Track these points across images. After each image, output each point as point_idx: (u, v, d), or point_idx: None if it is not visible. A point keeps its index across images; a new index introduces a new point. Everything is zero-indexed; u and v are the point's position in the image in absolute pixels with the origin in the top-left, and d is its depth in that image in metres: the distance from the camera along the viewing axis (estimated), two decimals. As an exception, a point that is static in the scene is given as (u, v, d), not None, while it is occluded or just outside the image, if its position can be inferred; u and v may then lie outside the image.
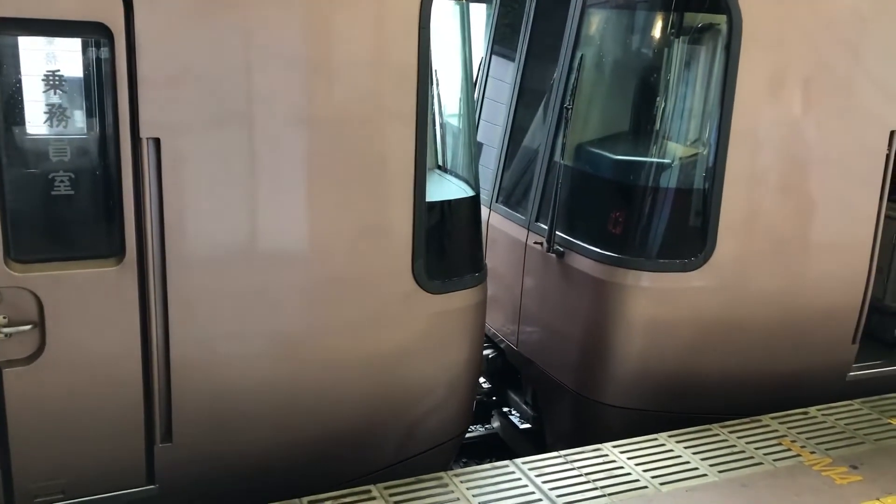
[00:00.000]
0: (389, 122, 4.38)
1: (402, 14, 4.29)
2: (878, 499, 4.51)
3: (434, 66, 4.65)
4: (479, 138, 7.16)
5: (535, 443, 6.56)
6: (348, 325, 4.48)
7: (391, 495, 4.34)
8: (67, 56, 3.73)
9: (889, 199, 5.88)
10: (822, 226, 5.64)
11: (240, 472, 4.39)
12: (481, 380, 7.08)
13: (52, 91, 3.72)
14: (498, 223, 6.58)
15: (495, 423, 7.36)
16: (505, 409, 7.21)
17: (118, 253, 3.91)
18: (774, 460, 4.85)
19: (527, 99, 6.54)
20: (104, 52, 3.73)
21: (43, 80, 3.71)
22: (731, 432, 5.13)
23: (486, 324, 6.71)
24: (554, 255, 5.78)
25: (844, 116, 5.54)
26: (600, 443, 4.95)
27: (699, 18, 5.35)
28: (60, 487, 4.04)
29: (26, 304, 3.79)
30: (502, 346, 6.66)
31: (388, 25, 4.30)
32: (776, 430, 5.19)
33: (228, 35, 3.91)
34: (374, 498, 4.30)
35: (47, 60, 3.70)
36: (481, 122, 7.18)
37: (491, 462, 6.84)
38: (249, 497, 4.34)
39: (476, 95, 7.21)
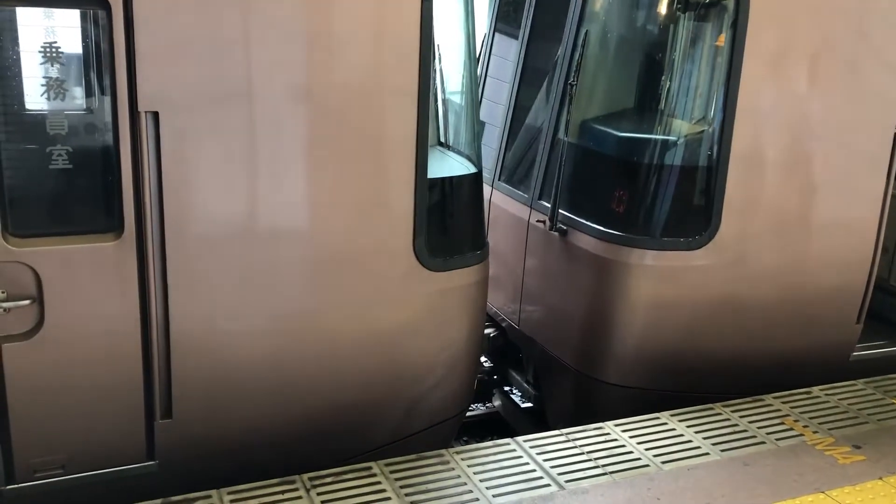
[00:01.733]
0: (391, 97, 4.33)
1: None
2: (880, 478, 4.50)
3: (437, 41, 4.60)
4: (483, 117, 7.09)
5: (536, 422, 6.55)
6: (349, 302, 4.45)
7: (392, 472, 4.33)
8: (65, 29, 3.68)
9: (896, 178, 5.83)
10: (827, 205, 5.59)
11: (240, 448, 4.38)
12: (482, 359, 7.06)
13: (49, 64, 3.68)
14: (500, 201, 6.54)
15: (496, 402, 7.35)
16: (506, 388, 7.20)
17: (117, 228, 3.88)
18: (777, 440, 4.83)
19: (530, 76, 6.47)
20: (102, 25, 3.68)
21: (40, 52, 3.66)
22: (733, 411, 5.12)
23: (488, 302, 6.70)
24: (556, 234, 5.74)
25: (851, 94, 5.47)
26: (602, 422, 4.94)
27: (706, -7, 5.28)
28: (60, 463, 4.04)
29: (25, 278, 3.77)
30: (504, 324, 6.63)
31: (391, -1, 4.24)
32: (779, 410, 5.18)
33: (228, 8, 3.85)
34: (374, 475, 4.29)
35: (45, 33, 3.64)
36: (484, 100, 7.11)
37: (492, 440, 6.87)
38: (249, 473, 4.33)
39: (479, 73, 7.14)
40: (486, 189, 6.64)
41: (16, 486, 3.97)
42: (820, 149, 5.51)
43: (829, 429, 4.99)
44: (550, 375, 6.21)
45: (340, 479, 4.24)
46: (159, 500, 4.00)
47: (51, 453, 4.01)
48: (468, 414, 7.23)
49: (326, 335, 4.45)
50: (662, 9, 5.48)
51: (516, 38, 6.66)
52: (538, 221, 5.97)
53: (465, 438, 7.21)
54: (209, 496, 4.05)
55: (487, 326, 6.68)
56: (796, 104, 5.40)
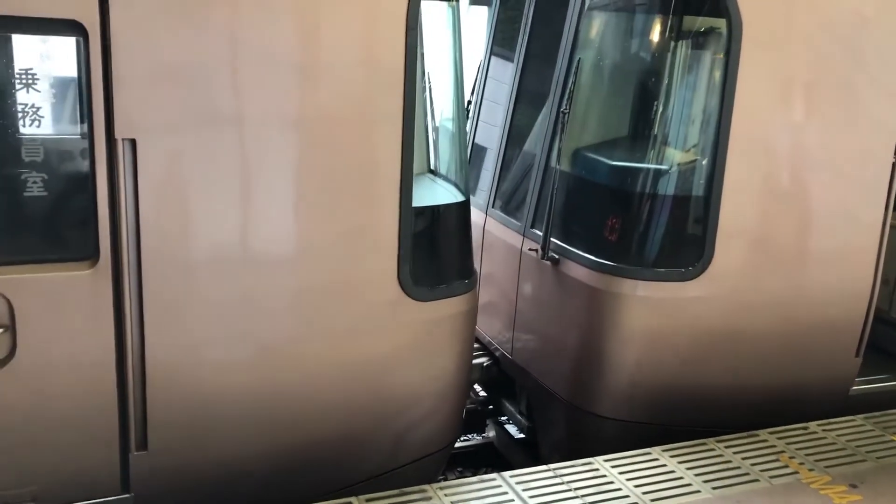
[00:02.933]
0: (375, 125, 4.27)
1: (389, 15, 4.19)
2: (877, 519, 4.36)
3: (425, 69, 4.55)
4: (479, 141, 7.04)
5: (529, 453, 6.44)
6: (331, 332, 4.37)
7: (372, 508, 4.23)
8: (40, 54, 3.65)
9: (894, 209, 5.72)
10: (824, 235, 5.49)
11: (218, 481, 4.28)
12: (477, 388, 6.96)
13: (24, 90, 3.63)
14: (494, 229, 6.47)
15: (490, 433, 7.23)
16: (501, 419, 7.09)
17: (92, 256, 3.82)
18: (771, 477, 4.69)
19: (524, 103, 6.42)
20: (79, 51, 3.64)
21: (15, 78, 3.62)
22: (727, 447, 4.99)
23: (482, 331, 6.62)
24: (549, 263, 5.65)
25: (848, 122, 5.39)
26: (595, 455, 4.82)
27: (699, 22, 5.21)
28: (32, 495, 3.94)
29: (-4, 307, 3.71)
30: (497, 354, 6.53)
31: (375, 26, 4.20)
32: (774, 446, 5.04)
33: (208, 34, 3.81)
34: (354, 510, 4.19)
35: (20, 58, 3.61)
36: (481, 123, 7.06)
37: (486, 472, 6.75)
38: (228, 507, 4.25)
39: (475, 98, 7.09)
40: (481, 216, 6.58)
41: (-15, 518, 3.90)
42: (817, 177, 5.42)
43: (826, 466, 4.85)
44: (543, 407, 6.09)
45: (319, 515, 4.14)
46: (132, 535, 3.92)
47: (22, 485, 3.92)
48: (462, 444, 7.14)
49: (308, 366, 4.36)
50: (655, 37, 5.42)
51: (512, 61, 6.62)
52: (531, 250, 5.88)
53: (459, 469, 7.10)
54: (183, 531, 3.95)
55: (481, 355, 6.60)
56: (792, 132, 5.31)
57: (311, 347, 4.35)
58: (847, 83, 5.33)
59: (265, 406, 4.29)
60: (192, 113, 3.84)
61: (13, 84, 3.62)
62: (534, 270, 5.93)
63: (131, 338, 3.93)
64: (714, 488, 4.55)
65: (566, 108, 5.57)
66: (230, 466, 4.29)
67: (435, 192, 4.91)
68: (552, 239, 5.58)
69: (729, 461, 4.84)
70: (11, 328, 3.74)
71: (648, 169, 5.37)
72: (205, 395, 4.14)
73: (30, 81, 3.64)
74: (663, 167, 5.36)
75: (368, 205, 4.33)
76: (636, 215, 5.37)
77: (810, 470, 4.80)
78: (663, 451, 4.91)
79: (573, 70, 5.63)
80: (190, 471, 4.21)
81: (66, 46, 3.67)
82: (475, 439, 7.37)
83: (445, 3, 4.79)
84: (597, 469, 4.70)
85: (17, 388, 3.80)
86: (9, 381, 3.78)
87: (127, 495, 4.12)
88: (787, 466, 4.82)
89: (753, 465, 4.81)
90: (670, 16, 5.25)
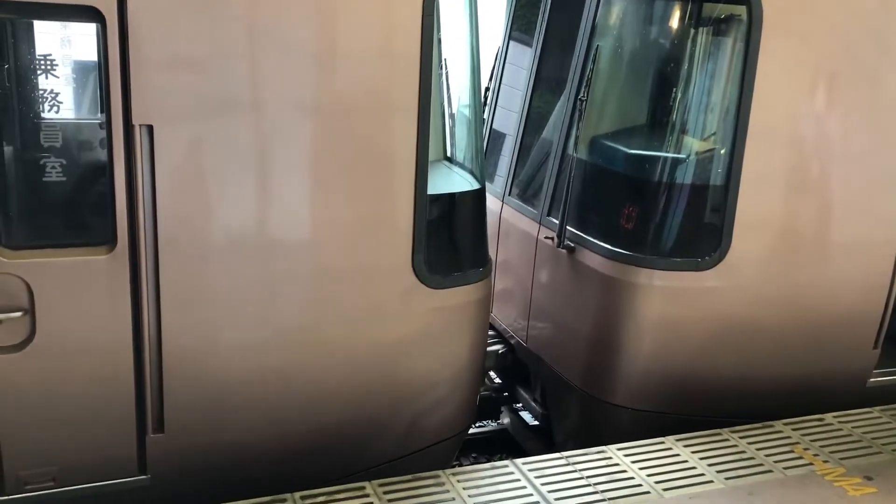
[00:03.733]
0: (391, 112, 4.27)
1: (405, 1, 4.18)
2: (891, 512, 4.34)
3: (441, 56, 4.54)
4: (497, 127, 7.02)
5: (544, 440, 6.46)
6: (345, 318, 4.40)
7: (385, 493, 4.26)
8: (59, 41, 3.68)
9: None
10: (843, 225, 5.43)
11: (233, 463, 4.33)
12: (492, 375, 6.98)
13: (43, 76, 3.67)
14: (510, 216, 6.46)
15: (505, 420, 7.26)
16: (515, 406, 7.10)
17: (110, 241, 3.86)
18: (785, 468, 4.68)
19: (542, 90, 6.39)
20: (96, 37, 3.67)
21: (34, 64, 3.66)
22: (741, 437, 4.97)
23: (497, 318, 6.63)
24: (564, 251, 5.64)
25: (869, 111, 5.32)
26: (608, 443, 4.83)
27: (718, 9, 5.16)
28: (51, 475, 4.02)
29: (17, 290, 3.76)
30: (512, 341, 6.54)
31: (391, 13, 4.19)
32: (789, 437, 5.02)
33: (224, 21, 3.83)
34: (367, 495, 4.22)
35: (38, 45, 3.64)
36: (499, 109, 7.03)
37: (500, 458, 6.78)
38: (243, 489, 4.29)
39: (493, 84, 7.07)
40: (497, 204, 6.58)
41: (6, 498, 3.96)
42: (836, 168, 5.36)
43: (841, 458, 4.83)
44: (557, 395, 6.10)
45: (333, 499, 4.17)
46: (149, 516, 3.98)
47: (41, 465, 4.00)
48: (477, 431, 7.17)
49: (323, 352, 4.40)
50: (674, 24, 5.37)
51: (530, 47, 6.58)
52: (547, 238, 5.87)
53: (473, 455, 7.14)
54: (198, 513, 4.01)
55: (496, 343, 6.61)
56: (812, 122, 5.25)
57: (326, 333, 4.38)
58: (870, 73, 5.26)
59: (279, 390, 4.34)
60: (208, 99, 3.87)
61: (33, 70, 3.65)
62: (549, 258, 5.92)
63: (148, 321, 3.98)
64: (727, 478, 4.55)
65: (584, 96, 5.54)
66: (245, 449, 4.34)
67: (450, 180, 4.91)
68: (568, 227, 5.57)
69: (743, 451, 4.82)
70: (31, 311, 3.79)
71: (666, 157, 5.34)
72: (220, 378, 4.19)
73: (49, 67, 3.67)
74: (681, 156, 5.33)
75: (383, 192, 4.34)
76: (653, 204, 5.34)
77: (825, 461, 4.78)
78: (677, 440, 4.90)
79: (591, 57, 5.60)
80: (206, 453, 4.27)
81: (84, 33, 3.69)
82: (490, 426, 7.40)
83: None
84: (610, 457, 4.70)
85: (36, 371, 3.86)
86: (28, 364, 3.84)
87: (144, 476, 4.19)
88: (801, 458, 4.80)
89: (767, 455, 4.79)
90: (690, 3, 5.19)
